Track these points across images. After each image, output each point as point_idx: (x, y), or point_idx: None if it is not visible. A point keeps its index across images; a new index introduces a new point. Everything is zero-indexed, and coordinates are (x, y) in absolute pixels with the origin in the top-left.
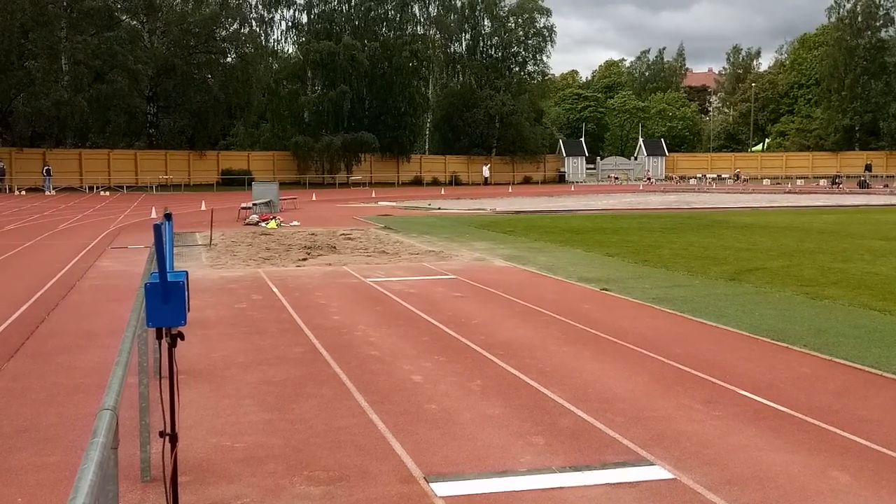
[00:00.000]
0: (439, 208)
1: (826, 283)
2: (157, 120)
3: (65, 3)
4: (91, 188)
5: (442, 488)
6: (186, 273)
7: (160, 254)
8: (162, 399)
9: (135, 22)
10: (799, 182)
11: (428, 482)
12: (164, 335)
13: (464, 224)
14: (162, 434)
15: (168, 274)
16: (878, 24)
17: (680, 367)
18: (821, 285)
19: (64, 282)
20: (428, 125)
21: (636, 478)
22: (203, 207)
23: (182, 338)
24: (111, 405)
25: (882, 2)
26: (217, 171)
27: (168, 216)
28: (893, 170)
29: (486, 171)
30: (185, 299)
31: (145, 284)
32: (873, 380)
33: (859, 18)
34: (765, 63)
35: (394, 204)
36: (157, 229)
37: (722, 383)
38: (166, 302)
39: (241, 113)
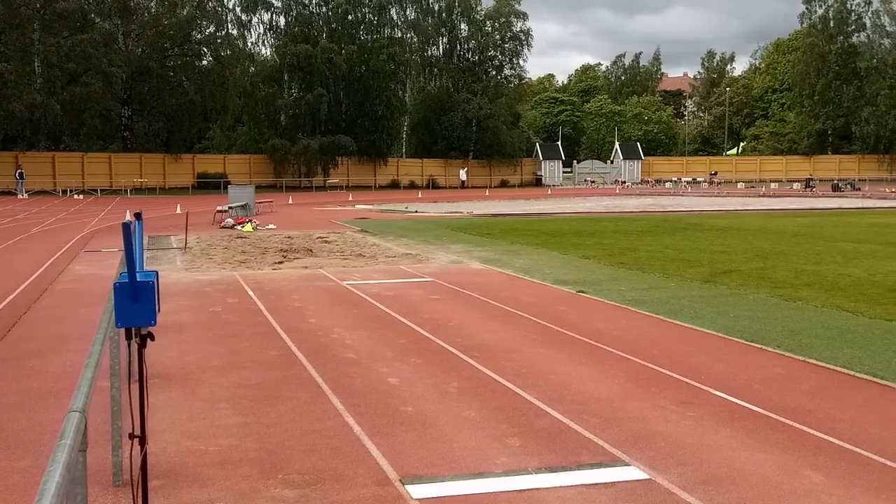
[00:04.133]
0: (416, 211)
1: (799, 284)
2: (132, 123)
3: (38, 5)
4: (65, 191)
5: (417, 490)
6: (156, 273)
7: (129, 253)
8: (131, 401)
9: (109, 24)
10: (773, 185)
11: (403, 484)
12: (133, 335)
13: (441, 227)
14: (131, 436)
15: (137, 273)
16: (849, 29)
17: (655, 368)
18: (794, 287)
19: (36, 285)
20: (405, 128)
21: (611, 478)
22: (178, 210)
23: (152, 338)
24: (79, 407)
25: (853, 7)
26: (192, 175)
27: (138, 216)
28: (866, 173)
29: (463, 175)
30: (154, 299)
31: (114, 284)
32: (846, 380)
33: (831, 24)
34: (739, 67)
35: (371, 207)
36: (126, 228)
37: (697, 384)
38: (136, 302)
39: (217, 116)
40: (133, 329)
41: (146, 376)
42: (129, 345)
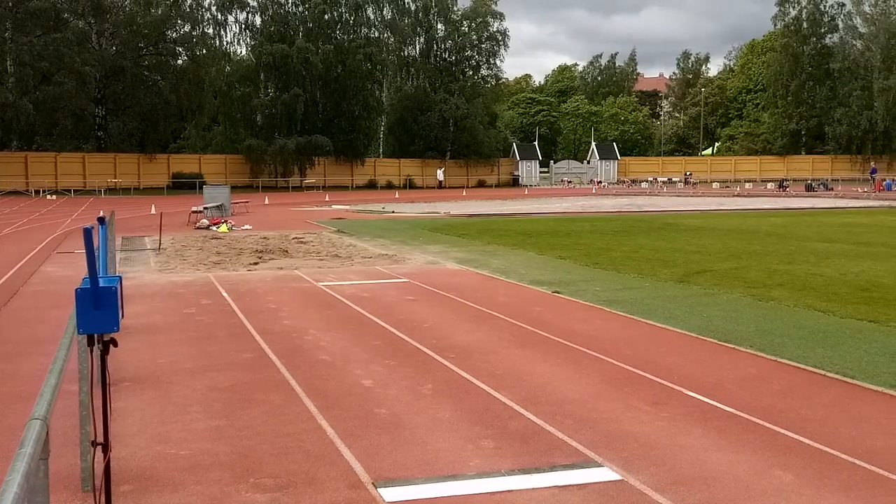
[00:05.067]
0: (393, 212)
1: (772, 284)
2: (106, 122)
3: (10, 4)
4: (37, 192)
5: (390, 493)
6: (120, 278)
7: (91, 259)
8: (93, 407)
9: (82, 23)
10: (747, 185)
11: (376, 487)
12: (96, 342)
13: (417, 227)
14: (94, 443)
15: (100, 279)
16: (822, 30)
17: (629, 368)
18: (767, 287)
19: (7, 287)
20: (382, 128)
21: (584, 479)
22: (153, 211)
23: (115, 344)
24: (41, 415)
25: (826, 9)
26: (168, 175)
27: (101, 220)
28: (839, 173)
29: (440, 175)
30: (117, 305)
31: (76, 290)
32: (817, 379)
33: (804, 25)
34: (714, 68)
35: (347, 207)
36: (88, 233)
37: (670, 384)
38: (98, 308)
39: (193, 115)
40: (96, 335)
41: (109, 383)
42: (91, 351)
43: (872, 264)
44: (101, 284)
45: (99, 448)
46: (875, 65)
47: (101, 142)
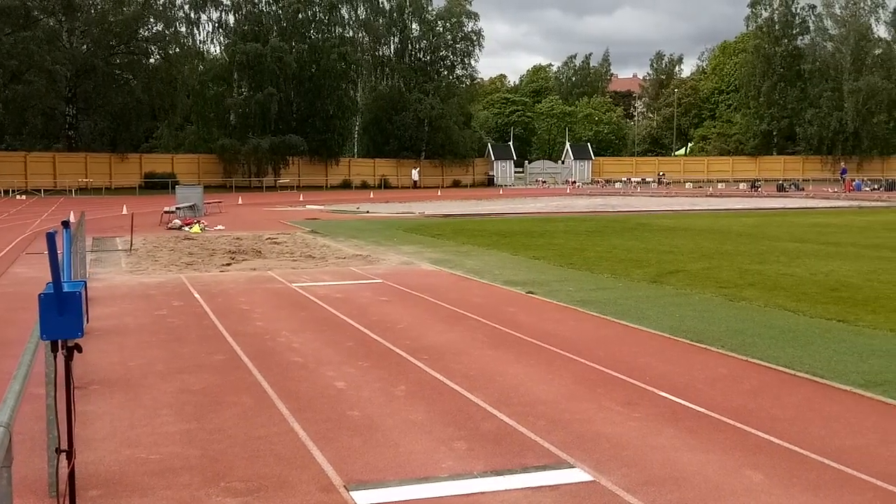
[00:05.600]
0: (368, 212)
1: (743, 284)
2: (77, 122)
3: None
4: (7, 192)
5: (362, 497)
6: (84, 283)
7: (54, 264)
8: (57, 414)
9: (53, 21)
10: (720, 185)
11: (348, 490)
12: (59, 348)
13: (392, 227)
14: (58, 451)
15: (64, 283)
16: (794, 32)
17: (602, 369)
18: (738, 287)
19: None
20: (357, 128)
21: (556, 481)
22: (124, 211)
23: (79, 350)
24: (4, 422)
25: (798, 11)
26: (140, 175)
27: (66, 224)
28: (809, 174)
29: (415, 175)
30: (81, 311)
31: (39, 295)
32: (787, 379)
33: (776, 27)
34: (687, 69)
35: (322, 207)
36: (51, 238)
37: (642, 385)
38: (62, 313)
39: (165, 115)
40: (59, 341)
41: (73, 388)
42: (54, 357)
43: (842, 264)
44: (64, 290)
45: (63, 454)
46: (845, 66)
47: (71, 141)
